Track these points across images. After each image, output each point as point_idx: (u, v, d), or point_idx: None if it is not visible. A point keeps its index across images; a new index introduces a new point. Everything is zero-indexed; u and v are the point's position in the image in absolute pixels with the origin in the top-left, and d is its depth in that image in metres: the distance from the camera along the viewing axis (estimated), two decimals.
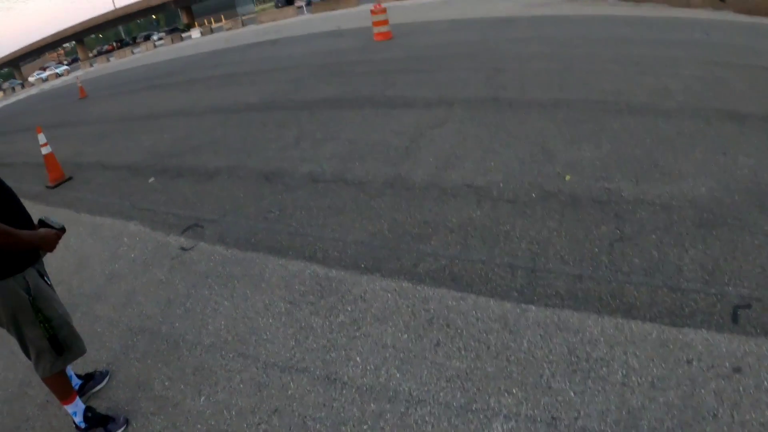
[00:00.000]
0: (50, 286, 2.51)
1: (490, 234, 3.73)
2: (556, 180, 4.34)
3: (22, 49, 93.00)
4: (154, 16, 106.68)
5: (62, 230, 2.46)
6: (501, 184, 4.41)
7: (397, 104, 7.39)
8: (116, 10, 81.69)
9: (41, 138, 7.64)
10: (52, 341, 2.40)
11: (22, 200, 2.52)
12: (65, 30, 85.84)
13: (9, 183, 2.45)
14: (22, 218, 2.39)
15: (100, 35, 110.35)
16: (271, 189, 5.26)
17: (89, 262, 4.82)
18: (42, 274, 2.44)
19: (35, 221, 2.49)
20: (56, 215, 6.46)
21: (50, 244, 2.38)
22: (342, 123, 6.98)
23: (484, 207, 4.11)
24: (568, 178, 4.34)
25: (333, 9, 39.90)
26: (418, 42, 13.61)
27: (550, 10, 17.46)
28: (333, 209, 4.54)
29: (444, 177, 4.74)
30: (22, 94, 50.06)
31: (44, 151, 7.60)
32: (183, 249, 4.46)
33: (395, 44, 13.77)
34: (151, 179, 6.61)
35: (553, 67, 8.09)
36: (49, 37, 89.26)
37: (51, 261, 5.14)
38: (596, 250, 3.36)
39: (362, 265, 3.66)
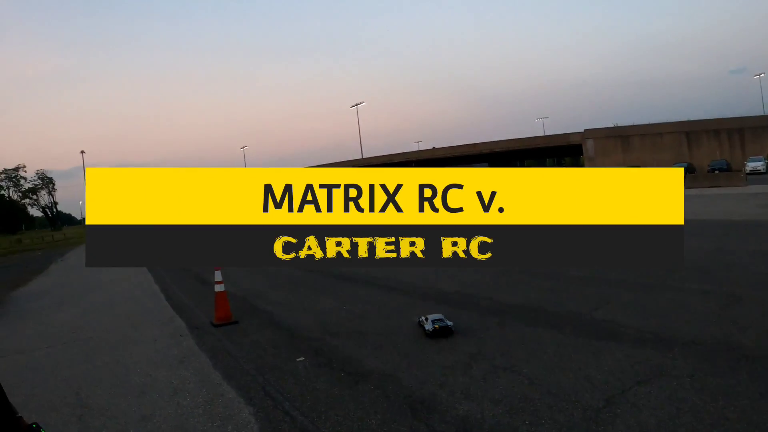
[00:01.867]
0: None
1: None
2: None
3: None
4: None
5: None
6: None
7: (602, 333, 6.36)
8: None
9: (218, 275, 8.18)
10: None
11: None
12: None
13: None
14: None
15: None
16: (410, 429, 4.50)
17: None
18: None
19: (25, 420, 2.16)
20: (195, 360, 6.55)
21: None
22: (530, 347, 6.11)
23: None
24: None
25: None
26: None
27: None
28: None
29: None
30: None
31: (217, 288, 8.13)
32: None
33: None
34: (301, 359, 6.47)
35: None
36: None
37: (157, 409, 5.04)
38: None
39: None
